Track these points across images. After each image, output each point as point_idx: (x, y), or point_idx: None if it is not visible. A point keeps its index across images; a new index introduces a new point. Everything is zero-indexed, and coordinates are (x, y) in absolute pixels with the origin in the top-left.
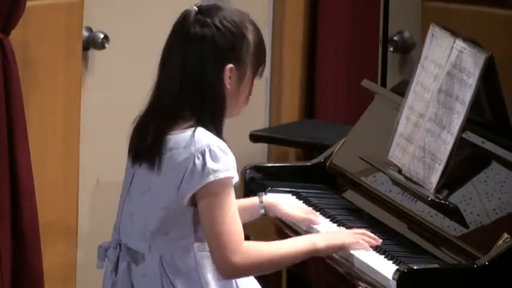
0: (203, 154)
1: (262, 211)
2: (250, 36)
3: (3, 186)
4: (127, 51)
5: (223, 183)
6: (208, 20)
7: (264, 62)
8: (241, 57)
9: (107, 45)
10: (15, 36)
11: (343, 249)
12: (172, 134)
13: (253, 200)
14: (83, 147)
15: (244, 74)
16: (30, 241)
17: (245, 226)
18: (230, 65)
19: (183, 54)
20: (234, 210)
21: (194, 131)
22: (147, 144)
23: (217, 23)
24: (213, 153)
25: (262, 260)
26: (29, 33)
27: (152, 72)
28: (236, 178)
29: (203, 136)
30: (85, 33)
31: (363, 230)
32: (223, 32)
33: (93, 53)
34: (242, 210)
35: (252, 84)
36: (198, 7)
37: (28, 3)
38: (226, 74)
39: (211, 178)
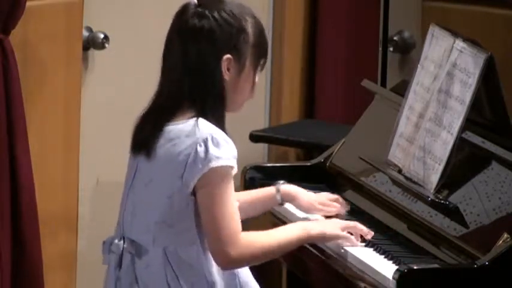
0: (205, 142)
1: (279, 199)
2: (250, 28)
3: (3, 185)
4: (127, 51)
5: (224, 171)
6: (207, 12)
7: (264, 55)
8: (239, 49)
9: (107, 45)
10: (15, 36)
11: (334, 239)
12: (174, 125)
13: (268, 190)
14: (83, 147)
15: (244, 66)
16: (30, 240)
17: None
18: (228, 56)
19: (182, 48)
20: (233, 202)
21: (197, 121)
22: (144, 134)
23: (215, 14)
24: (216, 140)
25: (256, 251)
26: (29, 33)
27: (152, 71)
28: (236, 169)
29: (205, 126)
30: (85, 33)
31: (355, 223)
32: (221, 23)
33: (93, 53)
34: (254, 202)
35: (253, 76)
36: (198, 0)
37: (28, 3)
38: (224, 65)
39: (214, 164)
